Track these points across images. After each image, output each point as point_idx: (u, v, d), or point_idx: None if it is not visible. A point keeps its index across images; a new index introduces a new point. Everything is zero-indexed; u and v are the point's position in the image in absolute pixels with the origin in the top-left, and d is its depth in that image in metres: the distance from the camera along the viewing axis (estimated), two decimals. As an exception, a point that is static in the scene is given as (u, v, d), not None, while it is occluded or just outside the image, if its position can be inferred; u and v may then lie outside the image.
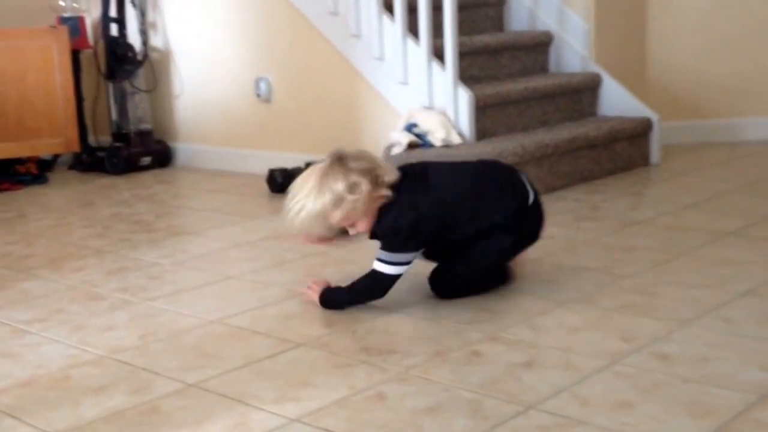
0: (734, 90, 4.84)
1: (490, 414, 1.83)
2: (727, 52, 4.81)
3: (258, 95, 4.61)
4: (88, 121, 5.16)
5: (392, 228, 2.39)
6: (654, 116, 4.34)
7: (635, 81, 4.71)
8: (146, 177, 4.79)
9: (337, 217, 2.38)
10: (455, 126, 3.83)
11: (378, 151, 3.93)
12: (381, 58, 4.07)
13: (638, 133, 4.27)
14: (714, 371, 1.98)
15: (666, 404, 1.83)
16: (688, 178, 4.06)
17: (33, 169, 4.85)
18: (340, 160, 2.38)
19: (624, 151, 4.21)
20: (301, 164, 4.19)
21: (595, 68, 4.50)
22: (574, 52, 4.56)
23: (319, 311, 2.50)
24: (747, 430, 1.72)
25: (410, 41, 3.97)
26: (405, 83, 3.99)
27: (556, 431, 1.75)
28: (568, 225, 3.33)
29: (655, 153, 4.36)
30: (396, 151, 3.77)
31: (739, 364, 2.00)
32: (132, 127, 4.97)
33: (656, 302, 2.45)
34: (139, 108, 5.01)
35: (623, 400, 1.85)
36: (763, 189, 3.77)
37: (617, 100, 4.44)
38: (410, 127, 3.81)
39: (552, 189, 3.85)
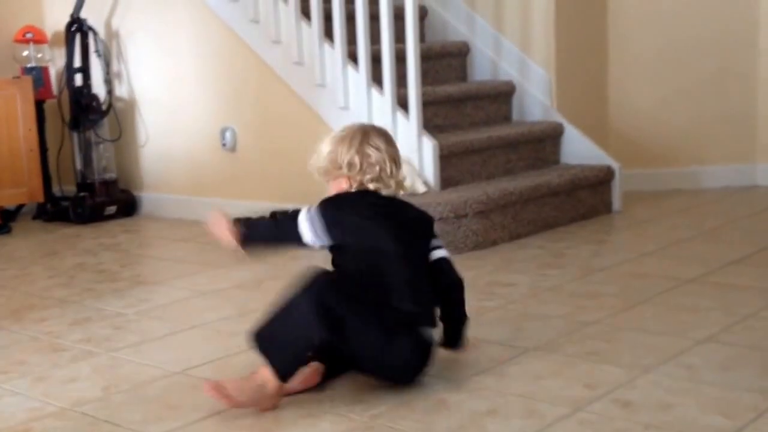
0: (694, 139, 4.92)
1: (454, 463, 1.83)
2: (687, 101, 4.90)
3: (223, 145, 4.62)
4: (53, 171, 5.15)
5: (336, 194, 2.36)
6: (615, 164, 4.40)
7: (596, 129, 4.77)
8: (111, 226, 4.77)
9: (327, 157, 2.34)
10: (420, 174, 3.86)
11: (343, 200, 3.95)
12: (345, 108, 4.10)
13: (600, 180, 4.33)
14: (675, 418, 2.00)
15: (628, 451, 1.85)
16: (649, 225, 4.11)
17: (-4, 219, 4.83)
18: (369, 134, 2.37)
19: (586, 198, 4.26)
20: (266, 213, 4.20)
21: (557, 117, 4.56)
22: (536, 101, 4.62)
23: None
24: (708, 477, 1.74)
25: (375, 91, 4.01)
26: (369, 132, 4.01)
27: (519, 480, 1.75)
28: (531, 272, 3.35)
29: (616, 200, 4.41)
30: (361, 199, 3.78)
31: (700, 411, 2.03)
32: (97, 177, 4.96)
33: (618, 349, 2.47)
34: (103, 157, 5.00)
35: (586, 448, 1.87)
36: (722, 236, 3.83)
37: (579, 149, 4.50)
38: (375, 176, 3.83)
39: (516, 236, 3.88)
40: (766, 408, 2.02)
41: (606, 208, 4.38)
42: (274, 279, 3.45)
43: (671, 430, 1.93)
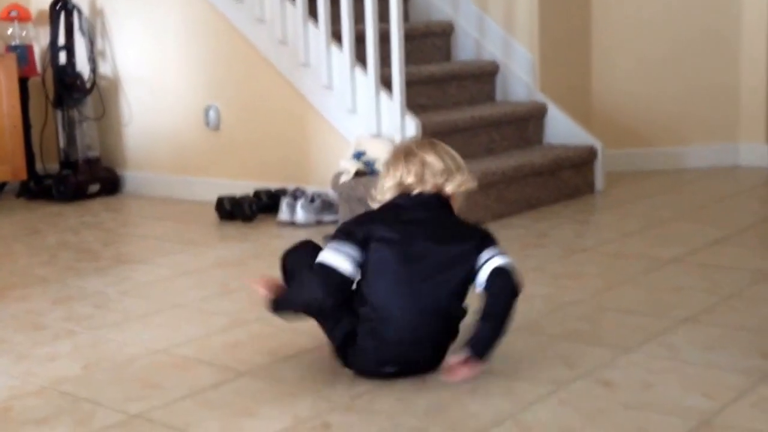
0: (677, 119, 4.92)
1: (434, 442, 1.84)
2: (670, 82, 4.90)
3: (207, 123, 4.60)
4: (36, 149, 5.12)
5: None
6: (598, 144, 4.40)
7: (580, 110, 4.77)
8: (94, 205, 4.75)
9: None
10: (403, 154, 3.84)
11: (327, 179, 3.94)
12: (329, 87, 4.08)
13: (583, 160, 4.33)
14: (656, 397, 2.00)
15: (609, 431, 1.85)
16: (631, 205, 4.11)
17: (-22, 197, 4.80)
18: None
19: (569, 178, 4.26)
20: (250, 191, 4.19)
21: (541, 97, 4.56)
22: (520, 81, 4.61)
23: (266, 340, 2.49)
24: (686, 455, 1.75)
25: (358, 70, 3.99)
26: (353, 112, 4.01)
27: (499, 458, 1.76)
28: (514, 252, 3.33)
29: (599, 180, 4.42)
30: (344, 179, 3.78)
31: (681, 390, 2.04)
32: (80, 155, 4.94)
33: (600, 329, 2.48)
34: (87, 136, 4.98)
35: (566, 427, 1.87)
36: (705, 216, 3.84)
37: (562, 129, 4.50)
38: (359, 155, 3.83)
39: (499, 216, 3.88)
40: (747, 388, 2.03)
41: (589, 188, 4.38)
42: (255, 258, 3.46)
43: (652, 409, 1.94)
